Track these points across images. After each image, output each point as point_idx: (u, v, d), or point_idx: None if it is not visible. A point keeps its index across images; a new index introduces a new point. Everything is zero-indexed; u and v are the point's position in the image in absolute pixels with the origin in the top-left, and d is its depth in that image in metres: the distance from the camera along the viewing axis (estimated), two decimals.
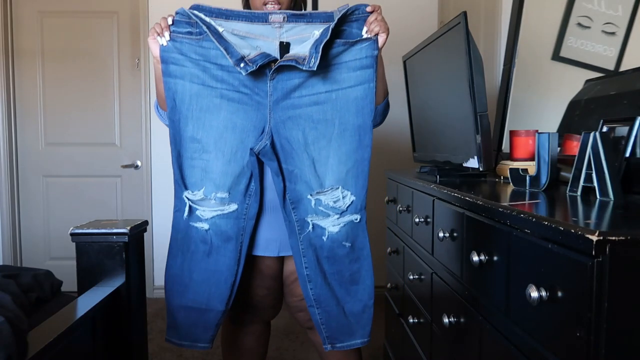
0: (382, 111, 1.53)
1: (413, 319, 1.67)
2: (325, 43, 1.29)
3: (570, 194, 1.12)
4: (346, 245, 1.43)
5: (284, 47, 1.38)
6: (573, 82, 1.64)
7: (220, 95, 1.37)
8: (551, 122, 1.67)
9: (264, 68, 1.33)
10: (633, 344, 0.69)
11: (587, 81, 1.61)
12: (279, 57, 1.36)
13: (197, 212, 1.42)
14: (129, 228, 1.57)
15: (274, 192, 1.43)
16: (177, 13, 1.35)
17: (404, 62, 2.08)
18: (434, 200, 1.43)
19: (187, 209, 1.42)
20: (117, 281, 1.56)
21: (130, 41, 3.34)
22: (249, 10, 1.43)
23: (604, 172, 1.02)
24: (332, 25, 1.31)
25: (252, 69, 1.29)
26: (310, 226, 1.41)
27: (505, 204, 0.99)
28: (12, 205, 3.37)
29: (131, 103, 3.36)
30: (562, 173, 1.31)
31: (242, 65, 1.29)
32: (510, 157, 1.51)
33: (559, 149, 1.31)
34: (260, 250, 1.49)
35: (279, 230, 1.46)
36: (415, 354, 1.67)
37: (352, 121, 1.38)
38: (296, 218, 1.41)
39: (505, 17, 2.17)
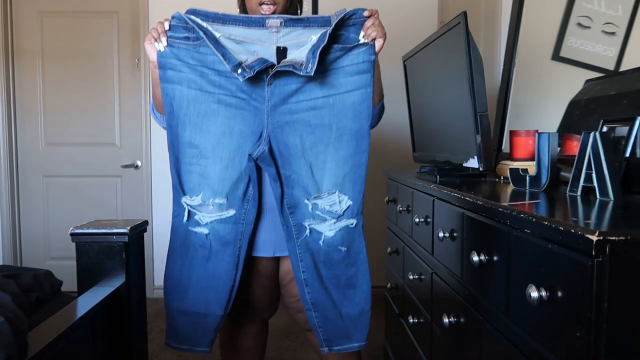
0: (377, 114, 1.53)
1: (413, 319, 1.67)
2: (323, 48, 1.29)
3: (570, 194, 1.12)
4: (342, 249, 1.43)
5: (281, 52, 1.37)
6: (573, 82, 1.64)
7: (217, 101, 1.36)
8: (551, 122, 1.67)
9: (262, 73, 1.33)
10: (633, 344, 0.69)
11: (587, 81, 1.61)
12: (276, 62, 1.35)
13: (196, 217, 1.42)
14: (129, 228, 1.57)
15: (272, 195, 1.42)
16: (173, 17, 1.34)
17: (404, 62, 2.08)
18: (434, 200, 1.43)
19: (185, 214, 1.42)
20: (117, 281, 1.56)
21: (130, 41, 3.34)
22: (246, 15, 1.42)
23: (604, 172, 1.02)
24: (330, 30, 1.30)
25: (249, 75, 1.28)
26: (308, 230, 1.42)
27: (505, 204, 0.99)
28: (12, 205, 3.37)
29: (131, 103, 3.36)
30: (562, 173, 1.31)
31: (239, 71, 1.28)
32: (510, 157, 1.51)
33: (559, 149, 1.31)
34: (257, 251, 1.49)
35: (276, 232, 1.46)
36: (415, 354, 1.67)
37: (350, 126, 1.37)
38: (294, 223, 1.41)
39: (505, 17, 2.17)
